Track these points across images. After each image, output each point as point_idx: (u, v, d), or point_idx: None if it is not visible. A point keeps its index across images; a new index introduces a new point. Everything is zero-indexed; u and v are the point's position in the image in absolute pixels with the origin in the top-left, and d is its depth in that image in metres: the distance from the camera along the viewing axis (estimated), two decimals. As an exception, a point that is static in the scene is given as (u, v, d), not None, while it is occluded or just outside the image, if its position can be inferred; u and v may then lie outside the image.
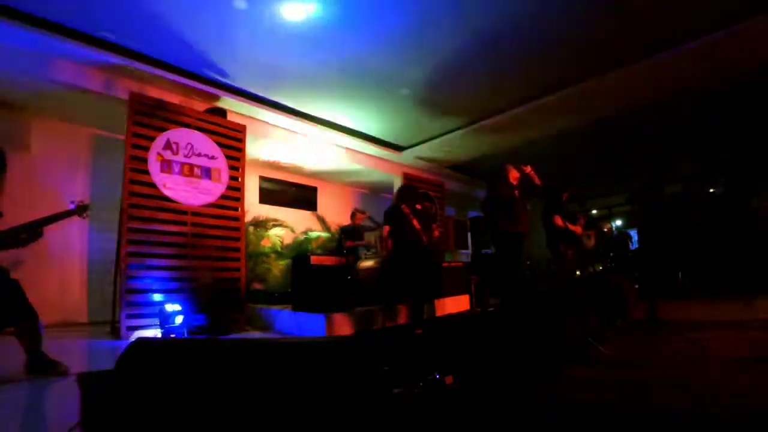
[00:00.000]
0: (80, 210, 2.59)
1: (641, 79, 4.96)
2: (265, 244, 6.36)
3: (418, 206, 4.11)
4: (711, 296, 5.56)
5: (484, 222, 4.45)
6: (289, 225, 6.91)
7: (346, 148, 7.02)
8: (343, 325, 3.88)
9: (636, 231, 8.58)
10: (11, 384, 2.21)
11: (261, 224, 6.49)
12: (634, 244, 7.83)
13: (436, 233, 4.40)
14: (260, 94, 5.28)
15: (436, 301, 5.04)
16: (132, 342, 1.13)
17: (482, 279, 6.14)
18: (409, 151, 7.45)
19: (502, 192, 3.92)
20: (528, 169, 3.95)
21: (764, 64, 4.62)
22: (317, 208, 8.19)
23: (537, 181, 3.93)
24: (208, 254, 4.43)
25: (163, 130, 4.23)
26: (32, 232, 2.32)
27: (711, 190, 7.39)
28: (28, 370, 2.32)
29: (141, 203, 4.01)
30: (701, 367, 2.41)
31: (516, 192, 3.89)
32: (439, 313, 5.11)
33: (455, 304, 5.51)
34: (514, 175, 3.96)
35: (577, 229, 4.38)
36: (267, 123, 5.84)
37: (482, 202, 4.06)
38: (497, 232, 3.89)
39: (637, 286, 4.72)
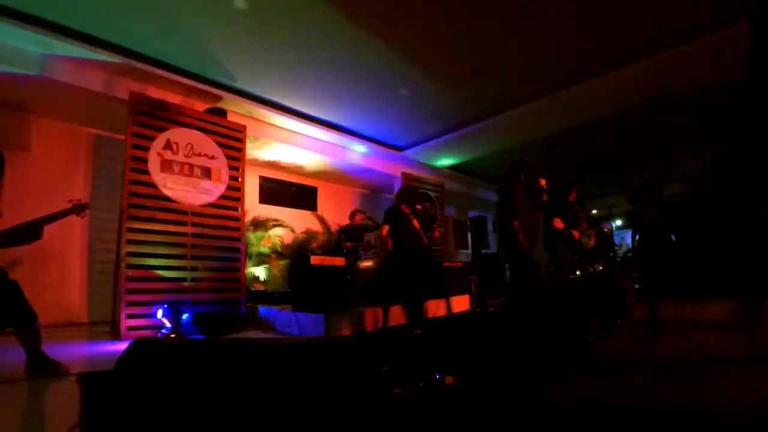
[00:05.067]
0: (78, 209, 2.58)
1: (642, 79, 4.97)
2: (265, 244, 6.37)
3: (418, 206, 4.11)
4: (711, 296, 5.55)
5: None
6: (289, 225, 6.91)
7: (347, 148, 7.03)
8: (342, 325, 3.88)
9: (631, 231, 8.58)
10: (11, 384, 2.21)
11: (261, 224, 6.49)
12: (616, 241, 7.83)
13: (436, 233, 4.40)
14: (260, 94, 5.28)
15: (436, 301, 5.07)
16: (132, 342, 1.13)
17: (482, 279, 6.15)
18: (409, 151, 7.45)
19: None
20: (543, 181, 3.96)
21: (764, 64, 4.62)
22: (317, 208, 8.19)
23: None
24: (208, 254, 4.43)
25: (163, 130, 4.22)
26: (33, 231, 2.32)
27: (712, 190, 7.39)
28: (28, 370, 2.32)
29: (141, 203, 4.01)
30: (701, 367, 2.41)
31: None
32: (440, 313, 5.12)
33: (455, 304, 5.51)
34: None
35: (576, 234, 4.36)
36: (267, 123, 5.84)
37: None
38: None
39: (637, 286, 4.71)
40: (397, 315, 4.32)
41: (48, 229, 2.45)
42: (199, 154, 4.49)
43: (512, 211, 3.71)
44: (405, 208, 3.95)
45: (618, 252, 8.44)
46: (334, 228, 7.31)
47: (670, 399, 1.88)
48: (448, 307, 5.28)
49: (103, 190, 5.14)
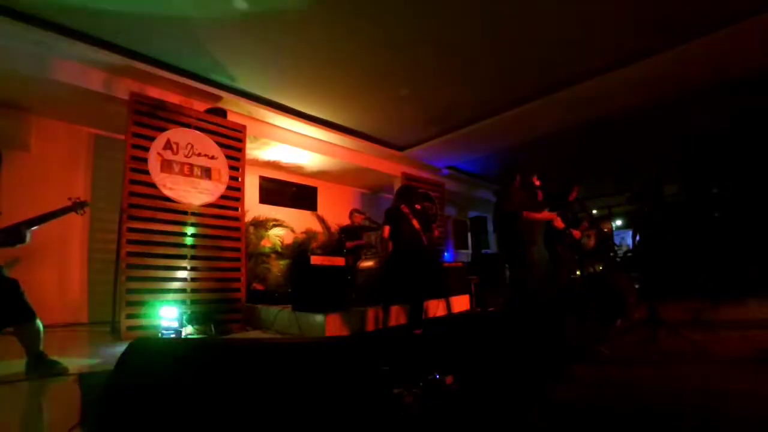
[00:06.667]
0: (77, 206, 2.59)
1: (642, 79, 4.97)
2: (265, 244, 6.37)
3: (418, 206, 4.11)
4: (711, 296, 5.56)
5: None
6: (289, 225, 6.91)
7: (346, 148, 7.03)
8: (342, 326, 3.88)
9: (631, 231, 8.59)
10: (11, 384, 2.21)
11: (261, 224, 6.49)
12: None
13: (436, 233, 4.40)
14: (260, 94, 5.28)
15: (436, 301, 5.08)
16: (132, 342, 1.13)
17: (482, 279, 6.15)
18: (409, 151, 7.45)
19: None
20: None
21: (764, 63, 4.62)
22: (317, 208, 8.19)
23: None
24: (208, 254, 4.43)
25: (163, 130, 4.23)
26: (16, 234, 2.28)
27: (713, 191, 7.39)
28: (28, 370, 2.32)
29: (141, 203, 4.01)
30: (701, 367, 2.41)
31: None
32: (440, 313, 5.13)
33: (455, 304, 5.52)
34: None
35: (577, 233, 4.37)
36: (267, 123, 5.84)
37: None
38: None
39: (637, 286, 4.71)
40: (397, 315, 4.32)
41: (48, 229, 2.46)
42: (199, 154, 4.49)
43: (506, 211, 3.82)
44: (404, 208, 3.95)
45: (618, 252, 8.43)
46: (334, 228, 7.31)
47: (670, 399, 1.88)
48: (448, 307, 5.31)
49: (103, 190, 5.14)
